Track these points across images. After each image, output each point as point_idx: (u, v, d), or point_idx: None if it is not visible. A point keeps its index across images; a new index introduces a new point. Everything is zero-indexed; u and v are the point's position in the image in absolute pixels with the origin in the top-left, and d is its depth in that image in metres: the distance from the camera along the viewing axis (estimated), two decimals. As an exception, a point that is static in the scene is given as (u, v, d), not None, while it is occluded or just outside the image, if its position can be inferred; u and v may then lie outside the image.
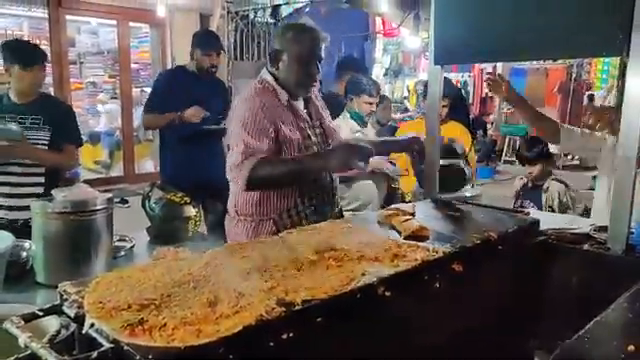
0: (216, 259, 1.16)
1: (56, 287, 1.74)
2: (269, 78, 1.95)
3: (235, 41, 5.85)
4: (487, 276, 1.45)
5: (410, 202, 2.84)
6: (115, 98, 6.56)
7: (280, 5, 6.47)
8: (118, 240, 2.30)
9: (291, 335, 0.91)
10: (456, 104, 3.38)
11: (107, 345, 0.78)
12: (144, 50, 6.65)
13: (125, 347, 0.78)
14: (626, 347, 0.94)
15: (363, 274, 1.12)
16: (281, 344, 0.90)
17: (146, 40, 6.45)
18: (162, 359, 0.76)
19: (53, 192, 1.93)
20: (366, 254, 1.24)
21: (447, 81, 3.08)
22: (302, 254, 1.22)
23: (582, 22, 1.53)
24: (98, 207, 1.90)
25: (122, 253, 2.25)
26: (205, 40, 3.46)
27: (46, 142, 2.67)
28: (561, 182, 3.17)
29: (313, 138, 2.00)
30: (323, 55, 1.94)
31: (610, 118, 2.12)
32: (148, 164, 6.11)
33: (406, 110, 8.43)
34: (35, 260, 1.85)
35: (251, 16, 6.55)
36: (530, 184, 3.17)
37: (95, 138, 6.52)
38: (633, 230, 1.55)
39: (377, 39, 6.79)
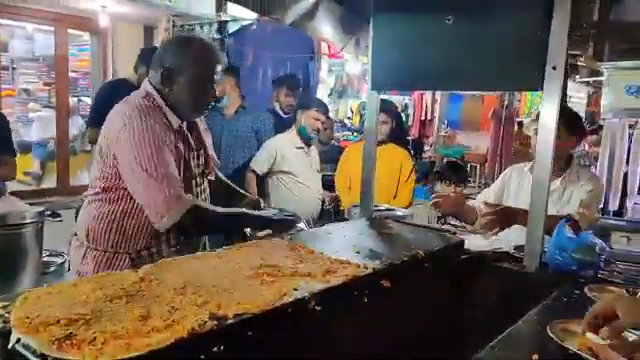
0: (151, 274, 1.17)
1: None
2: (155, 95, 1.70)
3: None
4: (414, 292, 1.53)
5: (346, 219, 2.94)
6: (50, 107, 6.28)
7: (227, 21, 6.49)
8: (49, 255, 2.22)
9: (222, 348, 0.94)
10: (395, 127, 3.52)
11: (34, 360, 0.77)
12: (83, 59, 6.44)
13: (52, 362, 0.77)
14: (531, 356, 1.03)
15: (295, 289, 1.16)
16: (213, 358, 0.92)
17: (86, 48, 6.25)
18: (90, 373, 0.77)
19: (-22, 204, 1.85)
20: (299, 270, 1.28)
21: (388, 102, 3.22)
22: (238, 270, 1.25)
23: (505, 60, 1.70)
24: (27, 221, 1.84)
25: (52, 269, 2.17)
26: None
27: None
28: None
29: (194, 170, 1.77)
30: (218, 77, 1.74)
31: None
32: (84, 176, 5.88)
33: (348, 129, 8.62)
34: (-43, 275, 1.75)
35: (197, 30, 6.53)
36: None
37: (25, 148, 6.19)
38: (545, 249, 1.70)
39: (322, 60, 6.93)
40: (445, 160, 10.00)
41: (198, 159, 1.81)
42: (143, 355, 0.82)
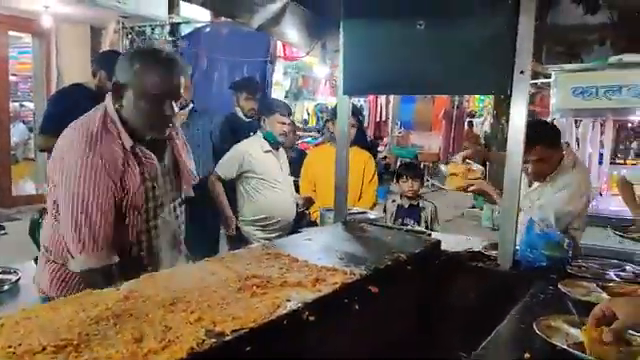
0: (135, 292, 1.11)
1: None
2: (111, 112, 1.56)
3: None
4: (398, 295, 1.54)
5: (317, 224, 2.93)
6: (-12, 112, 5.91)
7: (180, 23, 6.34)
8: (0, 273, 2.08)
9: (223, 367, 0.90)
10: (357, 129, 3.55)
11: (26, 394, 0.71)
12: (24, 62, 6.12)
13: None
14: (523, 354, 1.06)
15: (288, 300, 1.14)
16: (213, 377, 0.89)
17: (27, 51, 5.94)
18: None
19: None
20: (288, 280, 1.26)
21: (353, 106, 3.23)
22: (225, 282, 1.21)
23: (475, 65, 1.73)
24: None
25: (6, 287, 2.03)
26: (113, 64, 3.28)
27: None
28: (430, 202, 3.56)
29: (159, 190, 1.64)
30: (182, 91, 1.59)
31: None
32: (28, 185, 5.57)
33: (305, 131, 8.64)
34: None
35: (148, 32, 6.33)
36: (407, 204, 3.48)
37: (-37, 156, 5.79)
38: (518, 247, 1.75)
39: (277, 62, 6.89)
40: (400, 160, 10.21)
41: (167, 176, 1.68)
42: (144, 380, 0.77)
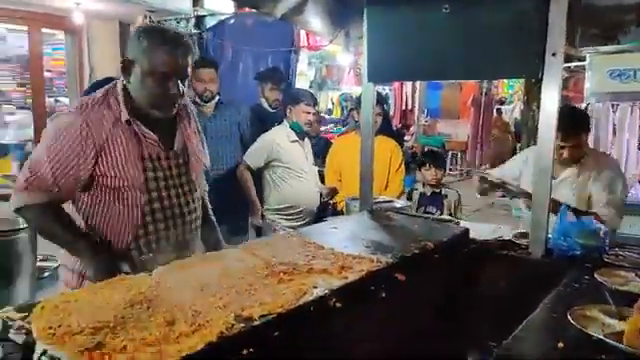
0: (167, 278, 1.14)
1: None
2: (119, 88, 1.61)
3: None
4: (426, 283, 1.53)
5: (342, 213, 2.93)
6: (25, 108, 6.10)
7: (204, 16, 6.38)
8: (41, 260, 2.16)
9: (251, 351, 0.92)
10: (383, 118, 3.52)
11: (65, 372, 0.74)
12: (58, 58, 6.26)
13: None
14: (557, 344, 1.04)
15: (315, 286, 1.15)
16: (243, 360, 0.90)
17: (61, 47, 6.08)
18: (124, 384, 0.74)
19: (-32, 211, 1.78)
20: (315, 267, 1.27)
21: (378, 94, 3.21)
22: (252, 269, 1.23)
23: (504, 48, 1.69)
24: (20, 226, 1.79)
25: (47, 274, 2.11)
26: None
27: None
28: (453, 190, 3.56)
29: (161, 172, 1.63)
30: (189, 70, 1.61)
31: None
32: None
33: (331, 121, 8.61)
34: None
35: (174, 26, 6.40)
36: (429, 192, 3.45)
37: (3, 150, 6.01)
38: (550, 235, 1.71)
39: (302, 52, 6.88)
40: (426, 149, 10.09)
41: (174, 160, 1.67)
42: (176, 362, 0.80)
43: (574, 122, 2.25)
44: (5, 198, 1.59)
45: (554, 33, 1.61)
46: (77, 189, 1.56)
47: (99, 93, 1.60)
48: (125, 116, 1.56)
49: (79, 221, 1.61)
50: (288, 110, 3.23)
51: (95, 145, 1.52)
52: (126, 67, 1.58)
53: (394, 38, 1.95)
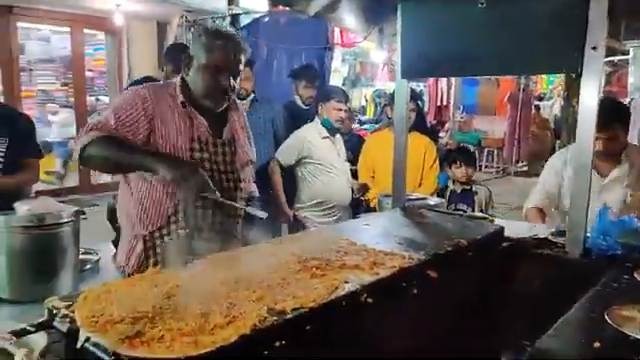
0: (201, 271, 1.17)
1: (21, 302, 1.71)
2: (176, 80, 1.83)
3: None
4: (457, 280, 1.52)
5: (375, 210, 2.93)
6: (68, 107, 6.34)
7: (239, 14, 6.47)
8: (83, 253, 2.24)
9: (283, 343, 0.94)
10: (417, 114, 3.49)
11: (107, 359, 0.78)
12: (99, 58, 6.47)
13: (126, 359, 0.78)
14: (593, 343, 1.02)
15: (346, 282, 1.16)
16: (275, 353, 0.92)
17: (101, 47, 6.28)
18: (162, 371, 0.77)
19: (16, 206, 1.87)
20: (347, 262, 1.28)
21: (412, 90, 3.19)
22: (285, 264, 1.25)
23: (542, 42, 1.65)
24: (64, 220, 1.86)
25: (88, 266, 2.20)
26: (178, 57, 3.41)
27: (1, 155, 2.56)
28: (483, 186, 3.55)
29: (208, 154, 1.77)
30: (241, 67, 1.80)
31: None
32: (104, 175, 5.93)
33: (361, 122, 8.57)
34: (-2, 276, 1.78)
35: (209, 24, 6.50)
36: (459, 189, 3.40)
37: (47, 148, 6.27)
38: (589, 234, 1.67)
39: (336, 49, 6.88)
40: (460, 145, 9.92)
41: (222, 147, 1.83)
42: (211, 351, 0.82)
43: (607, 112, 2.15)
44: (51, 193, 1.68)
45: (594, 26, 1.56)
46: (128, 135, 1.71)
47: (156, 83, 1.88)
48: (180, 98, 1.77)
49: (127, 191, 1.80)
50: (319, 107, 3.25)
51: (154, 111, 1.72)
52: (187, 63, 1.79)
53: (428, 34, 1.94)
